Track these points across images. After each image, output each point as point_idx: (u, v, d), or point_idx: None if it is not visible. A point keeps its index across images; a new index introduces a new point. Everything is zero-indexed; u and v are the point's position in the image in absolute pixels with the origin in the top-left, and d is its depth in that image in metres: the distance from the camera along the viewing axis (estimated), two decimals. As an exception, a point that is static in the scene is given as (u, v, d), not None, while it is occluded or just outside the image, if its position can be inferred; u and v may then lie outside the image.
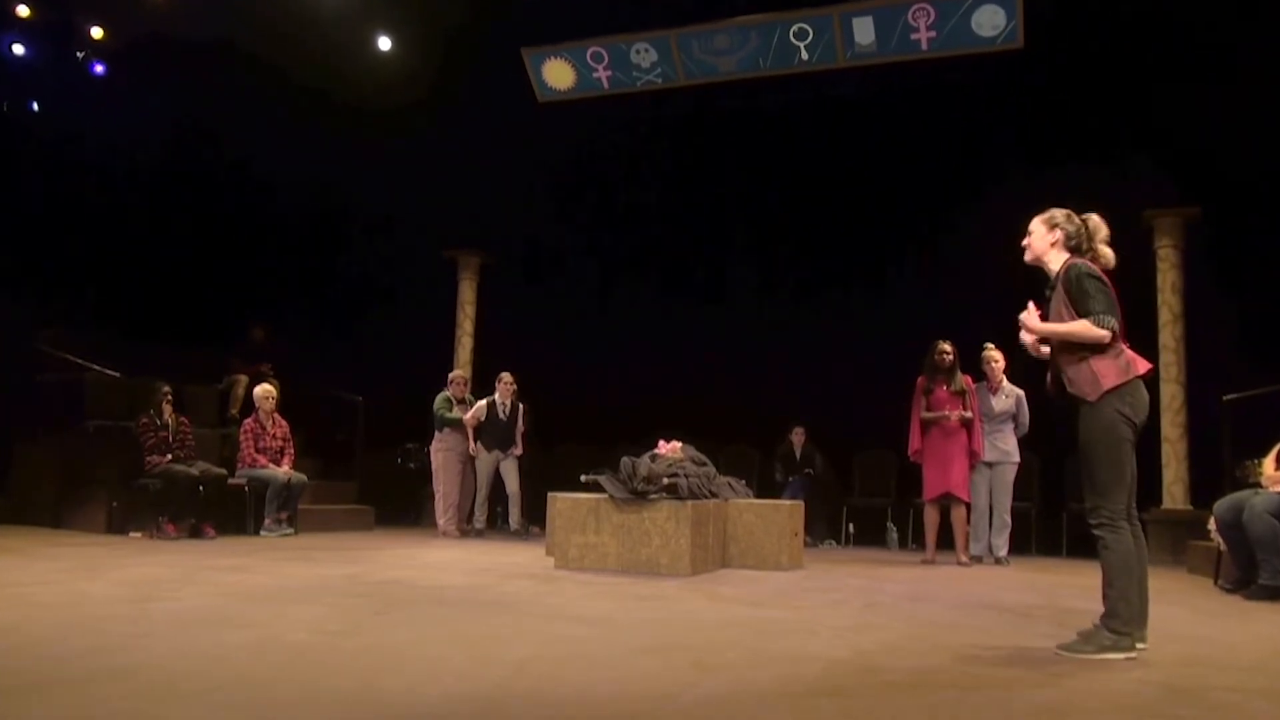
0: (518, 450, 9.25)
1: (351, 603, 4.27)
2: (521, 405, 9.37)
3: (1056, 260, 3.69)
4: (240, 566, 5.66)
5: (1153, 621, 3.51)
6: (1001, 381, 7.76)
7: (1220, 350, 8.51)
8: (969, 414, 7.48)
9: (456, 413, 9.21)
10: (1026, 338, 3.69)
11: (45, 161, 11.05)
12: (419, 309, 11.44)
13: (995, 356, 7.75)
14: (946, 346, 7.63)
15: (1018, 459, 7.72)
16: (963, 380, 7.58)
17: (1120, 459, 3.45)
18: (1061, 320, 3.58)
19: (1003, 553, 7.61)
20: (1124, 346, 3.53)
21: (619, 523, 5.90)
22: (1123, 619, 3.37)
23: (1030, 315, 3.68)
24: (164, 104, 10.63)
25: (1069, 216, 3.72)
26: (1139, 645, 3.40)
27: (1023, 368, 7.73)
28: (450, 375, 9.65)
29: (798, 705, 2.61)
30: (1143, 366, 3.54)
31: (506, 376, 9.33)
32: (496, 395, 9.27)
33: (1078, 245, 3.67)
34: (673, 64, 9.65)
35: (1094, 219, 3.73)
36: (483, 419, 9.16)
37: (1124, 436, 3.45)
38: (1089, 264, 3.61)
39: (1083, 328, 3.47)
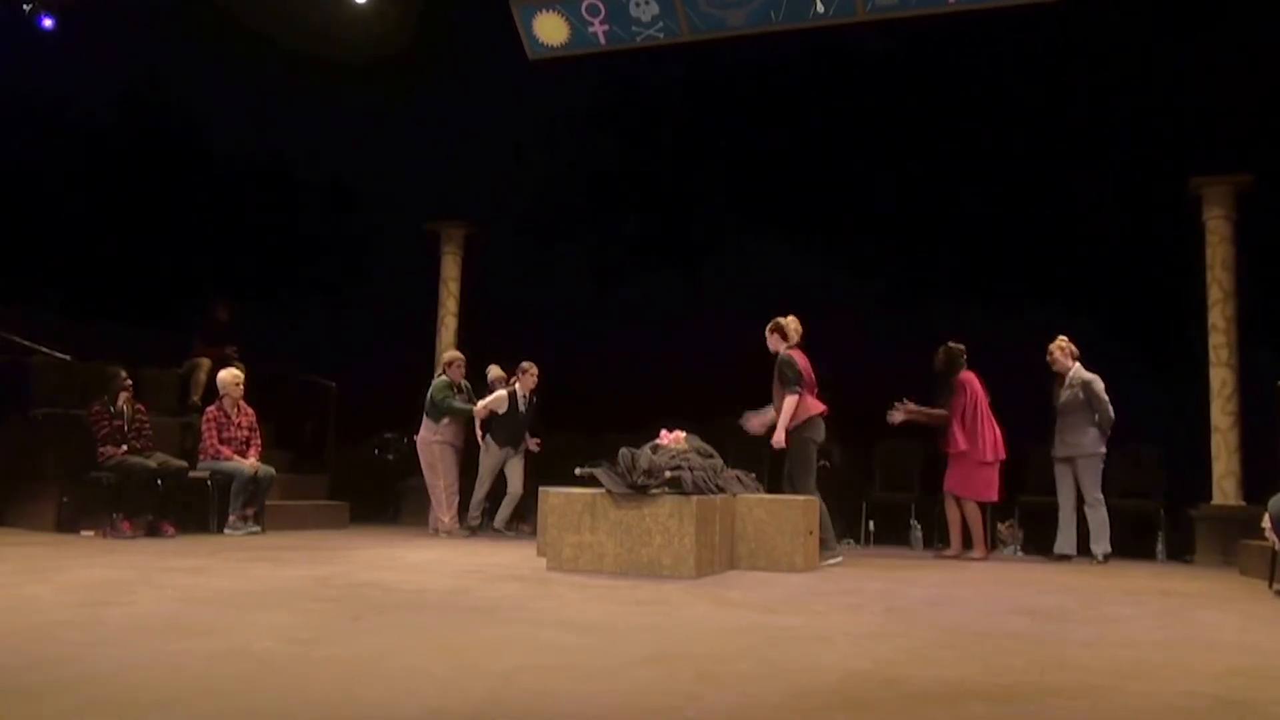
0: (531, 443, 9.26)
1: (323, 608, 4.27)
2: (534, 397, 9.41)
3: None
4: (202, 568, 5.67)
5: (1202, 628, 3.51)
6: (1068, 369, 7.94)
7: (1276, 331, 8.48)
8: (936, 410, 8.04)
9: (460, 401, 9.17)
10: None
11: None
12: (398, 286, 11.39)
13: (1055, 345, 8.00)
14: (940, 349, 8.14)
15: (1092, 451, 7.86)
16: (955, 380, 7.99)
17: None
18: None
19: (1102, 551, 7.75)
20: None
21: (617, 520, 5.89)
22: None
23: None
24: (119, 62, 10.55)
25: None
26: None
27: (1083, 356, 7.89)
28: (448, 357, 9.52)
29: (812, 720, 2.61)
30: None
31: (531, 367, 9.27)
32: (517, 386, 9.22)
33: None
34: (676, 18, 9.56)
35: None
36: (501, 411, 9.13)
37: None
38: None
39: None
